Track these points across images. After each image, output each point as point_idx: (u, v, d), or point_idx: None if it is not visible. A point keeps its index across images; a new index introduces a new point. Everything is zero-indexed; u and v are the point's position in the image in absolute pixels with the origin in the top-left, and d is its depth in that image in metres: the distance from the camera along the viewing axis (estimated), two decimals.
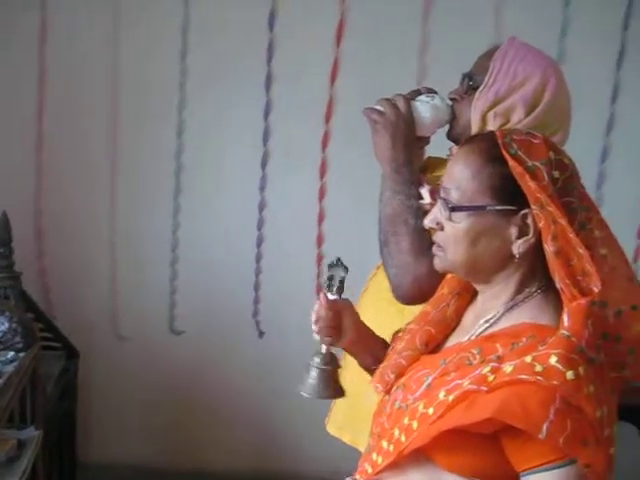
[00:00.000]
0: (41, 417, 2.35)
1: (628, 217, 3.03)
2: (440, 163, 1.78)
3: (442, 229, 1.28)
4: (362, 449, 1.84)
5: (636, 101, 2.99)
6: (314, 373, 1.44)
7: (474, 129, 1.68)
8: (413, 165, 1.66)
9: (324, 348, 1.45)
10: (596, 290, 1.14)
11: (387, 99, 1.69)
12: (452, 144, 1.77)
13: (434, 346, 1.36)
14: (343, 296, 1.46)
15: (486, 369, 1.16)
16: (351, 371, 1.60)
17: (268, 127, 3.00)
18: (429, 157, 1.87)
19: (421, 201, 1.50)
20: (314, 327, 1.44)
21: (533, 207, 1.18)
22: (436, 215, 1.28)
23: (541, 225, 1.18)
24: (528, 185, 1.17)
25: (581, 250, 1.16)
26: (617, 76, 2.96)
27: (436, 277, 1.55)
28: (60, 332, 2.88)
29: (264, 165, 3.03)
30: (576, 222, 1.19)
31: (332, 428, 1.98)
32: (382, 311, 1.56)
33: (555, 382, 1.08)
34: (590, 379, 1.11)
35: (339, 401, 1.95)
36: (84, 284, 3.10)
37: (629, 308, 1.21)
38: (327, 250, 3.05)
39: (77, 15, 2.89)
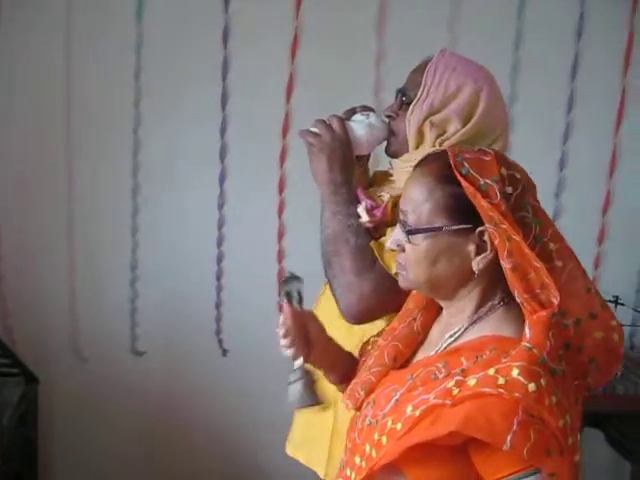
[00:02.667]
0: None
1: (587, 224, 3.08)
2: (385, 177, 1.80)
3: (403, 250, 1.29)
4: (317, 469, 1.84)
5: (590, 110, 3.03)
6: (292, 388, 1.44)
7: (411, 143, 1.69)
8: (351, 185, 1.67)
9: (297, 363, 1.44)
10: (555, 302, 1.16)
11: (322, 121, 1.70)
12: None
13: (403, 361, 1.37)
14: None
15: (451, 383, 1.17)
16: None
17: (225, 144, 2.98)
18: (375, 172, 1.88)
19: (360, 220, 1.51)
20: (283, 342, 1.42)
21: (487, 225, 1.19)
22: (396, 237, 1.30)
23: (496, 243, 1.19)
24: (481, 204, 1.18)
25: (537, 264, 1.17)
26: (572, 85, 3.01)
27: (382, 294, 1.56)
28: (18, 358, 2.83)
29: (222, 182, 3.01)
30: (531, 236, 1.21)
31: (290, 449, 1.97)
32: (332, 326, 1.55)
33: (517, 394, 1.09)
34: (552, 390, 1.12)
35: (297, 422, 1.95)
36: (44, 307, 3.03)
37: (587, 316, 1.24)
38: (288, 265, 3.03)
39: (29, 33, 2.83)
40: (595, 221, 3.11)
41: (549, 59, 2.97)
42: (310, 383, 1.44)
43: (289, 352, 1.43)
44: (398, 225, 1.29)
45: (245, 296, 3.06)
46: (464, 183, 1.19)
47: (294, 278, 1.46)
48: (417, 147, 1.70)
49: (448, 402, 1.14)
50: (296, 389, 1.43)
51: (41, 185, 2.96)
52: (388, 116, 1.76)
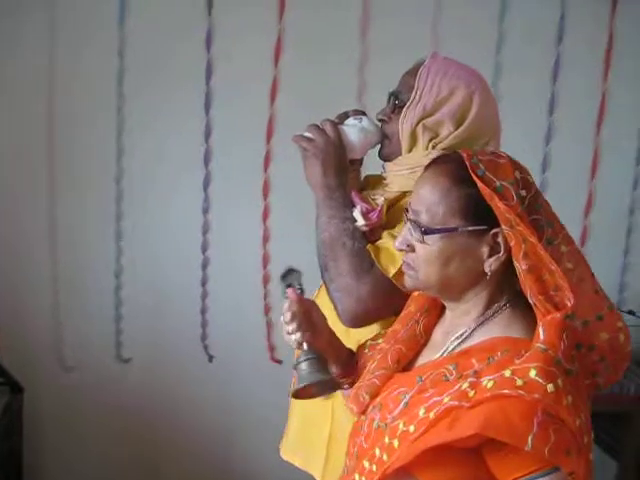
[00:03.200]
0: None
1: (569, 226, 3.08)
2: (378, 180, 1.81)
3: (412, 250, 1.28)
4: (314, 472, 1.83)
5: (572, 112, 3.06)
6: (303, 365, 1.41)
7: (404, 146, 1.70)
8: (346, 189, 1.67)
9: (304, 346, 1.42)
10: (569, 304, 1.17)
11: (315, 125, 1.71)
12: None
13: (405, 364, 1.37)
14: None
15: (465, 385, 1.17)
16: None
17: (209, 149, 2.96)
18: (367, 175, 1.88)
19: (356, 223, 1.52)
20: (289, 327, 1.41)
21: (503, 227, 1.19)
22: (406, 237, 1.29)
23: (512, 244, 1.20)
24: (497, 206, 1.19)
25: (553, 266, 1.18)
26: (554, 87, 3.04)
27: (380, 296, 1.56)
28: (2, 367, 2.79)
29: (206, 187, 2.99)
30: (544, 238, 1.23)
31: (285, 452, 1.96)
32: None
33: (536, 395, 1.10)
34: (568, 390, 1.13)
35: (291, 425, 1.94)
36: (28, 315, 2.99)
37: (595, 318, 1.26)
38: (273, 270, 3.02)
39: (13, 37, 2.80)
40: (577, 222, 3.14)
41: (531, 61, 3.01)
42: (318, 360, 1.42)
43: (294, 337, 1.42)
44: (408, 225, 1.28)
45: (231, 302, 3.05)
46: (480, 184, 1.20)
47: (293, 271, 1.45)
48: (410, 150, 1.70)
49: (466, 404, 1.14)
50: (305, 367, 1.41)
51: (23, 191, 2.92)
52: (381, 119, 1.76)
